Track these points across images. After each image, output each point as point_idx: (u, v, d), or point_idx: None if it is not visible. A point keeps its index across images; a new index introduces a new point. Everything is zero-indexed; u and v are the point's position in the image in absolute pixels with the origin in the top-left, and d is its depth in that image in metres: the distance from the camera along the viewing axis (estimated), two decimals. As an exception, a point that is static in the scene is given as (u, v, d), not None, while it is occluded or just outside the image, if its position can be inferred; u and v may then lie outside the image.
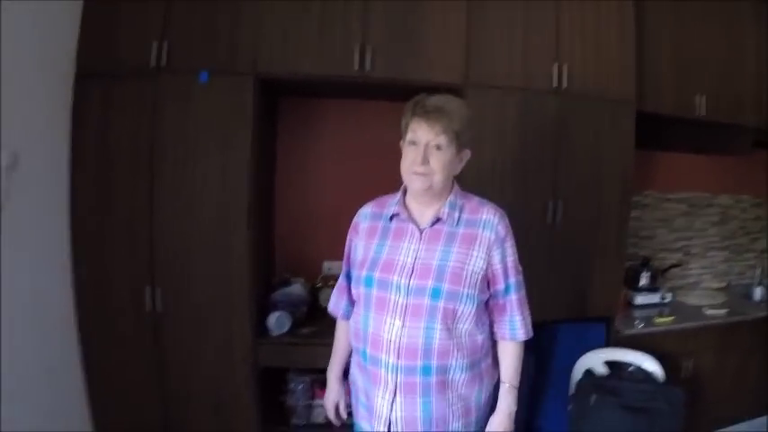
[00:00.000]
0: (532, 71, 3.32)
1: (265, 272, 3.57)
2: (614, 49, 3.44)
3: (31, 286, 2.84)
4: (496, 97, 3.26)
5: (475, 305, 2.00)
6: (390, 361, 1.96)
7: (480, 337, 2.05)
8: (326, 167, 3.76)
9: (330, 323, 2.50)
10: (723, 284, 4.74)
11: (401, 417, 1.99)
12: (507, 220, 2.12)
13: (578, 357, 3.46)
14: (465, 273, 1.98)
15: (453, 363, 1.98)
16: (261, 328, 3.24)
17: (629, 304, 4.04)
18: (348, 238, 2.27)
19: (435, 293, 1.95)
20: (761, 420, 4.10)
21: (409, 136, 2.02)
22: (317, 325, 3.27)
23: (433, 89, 3.08)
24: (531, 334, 2.15)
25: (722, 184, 4.69)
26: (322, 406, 2.60)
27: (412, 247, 2.04)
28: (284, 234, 3.81)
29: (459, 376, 2.00)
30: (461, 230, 2.04)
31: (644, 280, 4.14)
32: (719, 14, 3.85)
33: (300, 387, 3.34)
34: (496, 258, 2.05)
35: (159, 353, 3.19)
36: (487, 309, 2.12)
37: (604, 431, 3.14)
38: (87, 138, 3.09)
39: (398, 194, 2.16)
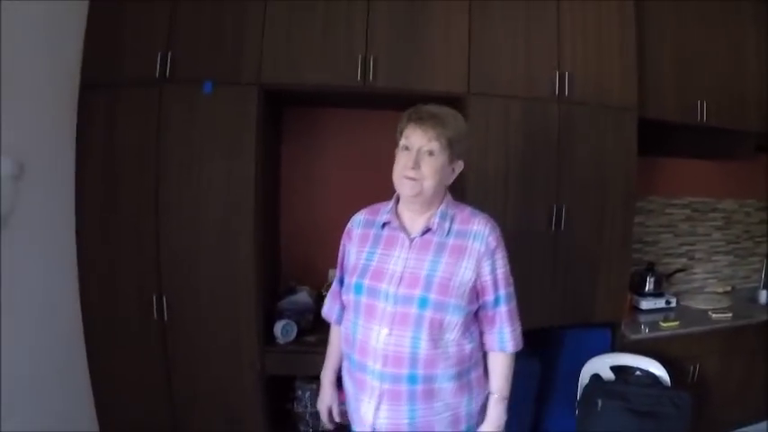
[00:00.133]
0: (535, 79, 3.33)
1: (271, 280, 3.59)
2: (616, 56, 3.45)
3: (39, 293, 2.87)
4: (499, 105, 3.28)
5: (462, 316, 1.99)
6: (377, 368, 1.97)
7: (468, 347, 2.05)
8: (331, 176, 3.78)
9: (335, 331, 2.50)
10: (728, 288, 4.73)
11: (386, 424, 1.99)
12: (499, 232, 2.11)
13: (585, 362, 3.47)
14: (453, 283, 1.98)
15: (440, 372, 1.97)
16: (267, 336, 3.25)
17: (635, 309, 4.05)
18: (342, 243, 2.29)
19: (422, 303, 1.95)
20: (768, 424, 4.10)
21: (403, 141, 2.04)
22: (323, 333, 3.24)
23: (437, 98, 3.11)
24: (520, 346, 2.14)
25: (726, 188, 4.70)
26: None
27: (402, 256, 2.04)
28: (290, 242, 3.82)
29: (446, 385, 2.00)
30: (451, 241, 2.04)
31: (649, 285, 4.16)
32: (720, 20, 3.86)
33: (307, 394, 3.36)
34: (486, 270, 2.04)
35: (166, 361, 3.20)
36: (477, 319, 2.12)
37: (611, 435, 3.16)
38: (93, 147, 3.11)
39: (391, 202, 2.17)
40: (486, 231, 2.05)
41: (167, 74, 3.07)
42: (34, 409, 2.76)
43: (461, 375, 2.03)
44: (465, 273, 2.00)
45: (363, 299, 2.04)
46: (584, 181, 3.43)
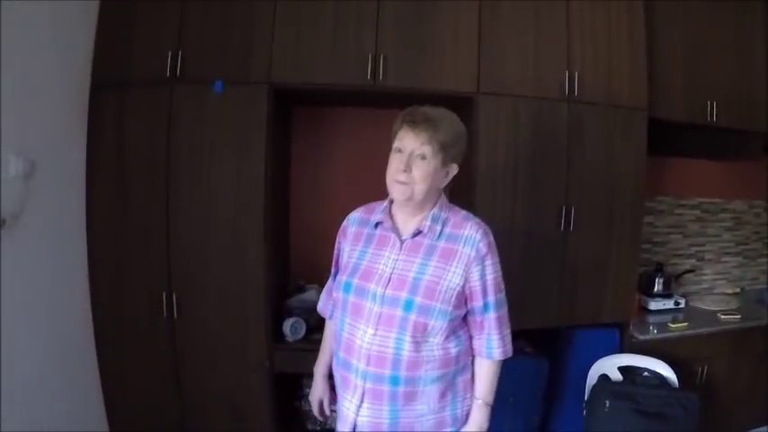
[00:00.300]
0: (544, 79, 3.33)
1: (280, 278, 3.60)
2: (625, 55, 3.45)
3: (49, 290, 2.89)
4: (509, 105, 3.28)
5: (447, 320, 1.96)
6: (360, 367, 1.98)
7: (455, 351, 2.03)
8: (340, 175, 3.79)
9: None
10: (737, 290, 4.71)
11: (367, 423, 2.00)
12: (491, 237, 2.08)
13: (593, 363, 3.47)
14: (440, 288, 1.96)
15: (423, 374, 1.97)
16: (276, 334, 3.27)
17: (643, 310, 4.04)
18: (337, 240, 2.29)
19: (408, 306, 1.94)
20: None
21: (396, 143, 2.02)
22: (331, 331, 3.29)
23: (446, 98, 3.14)
24: (509, 353, 2.11)
25: (735, 189, 4.68)
26: (335, 410, 2.57)
27: (391, 257, 2.03)
28: (299, 241, 3.83)
29: (429, 388, 1.99)
30: (442, 244, 2.02)
31: (658, 286, 4.15)
32: (730, 20, 3.85)
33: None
34: (475, 276, 2.01)
35: (175, 358, 3.22)
36: (467, 323, 2.11)
37: (618, 436, 3.16)
38: (103, 146, 3.13)
39: (386, 202, 2.16)
40: (478, 237, 2.02)
41: (177, 73, 3.08)
42: (44, 408, 2.78)
43: (446, 379, 2.03)
44: (453, 277, 1.98)
45: (351, 298, 2.04)
46: (594, 181, 3.42)
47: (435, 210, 2.06)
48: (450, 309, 1.96)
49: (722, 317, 3.94)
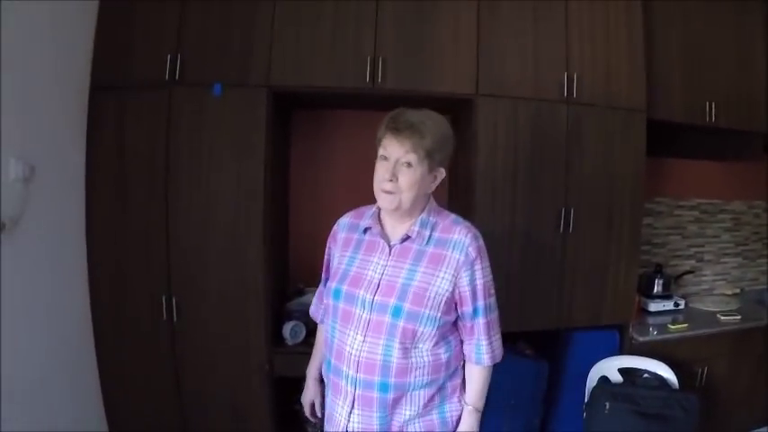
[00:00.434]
0: (543, 80, 3.34)
1: (280, 282, 3.60)
2: (624, 57, 3.45)
3: (49, 294, 2.88)
4: (508, 107, 3.28)
5: (436, 326, 1.94)
6: (350, 373, 1.96)
7: (445, 356, 2.01)
8: (340, 178, 3.78)
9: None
10: (736, 291, 4.70)
11: (357, 429, 1.99)
12: (481, 242, 2.04)
13: (593, 364, 3.47)
14: (428, 294, 1.93)
15: (412, 381, 1.96)
16: (276, 338, 3.27)
17: (643, 311, 4.04)
18: (327, 245, 2.27)
19: (396, 312, 1.92)
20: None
21: (381, 151, 1.99)
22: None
23: (445, 100, 3.14)
24: (498, 359, 2.09)
25: (734, 190, 4.68)
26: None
27: (380, 263, 2.02)
28: (298, 244, 3.83)
29: (418, 394, 1.98)
30: (430, 249, 2.00)
31: (657, 287, 4.15)
32: (729, 20, 3.86)
33: (315, 396, 3.36)
34: (465, 281, 1.97)
35: (175, 361, 3.22)
36: (457, 327, 2.09)
37: (619, 438, 3.16)
38: (103, 149, 3.13)
39: (375, 207, 2.13)
40: (467, 241, 1.98)
41: (177, 76, 3.09)
42: (44, 410, 2.78)
43: (436, 384, 2.02)
44: (442, 283, 1.95)
45: (341, 304, 2.03)
46: (593, 182, 3.43)
47: (424, 215, 2.04)
48: (440, 315, 1.95)
49: (722, 318, 3.94)
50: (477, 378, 2.09)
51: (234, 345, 3.20)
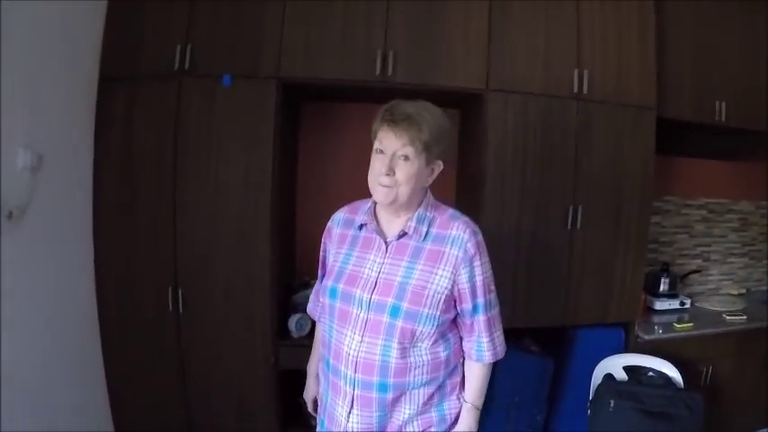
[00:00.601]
0: (554, 76, 3.32)
1: (286, 275, 3.60)
2: (635, 55, 3.44)
3: (55, 284, 2.89)
4: (518, 102, 3.27)
5: (435, 325, 1.90)
6: (349, 374, 1.93)
7: (444, 354, 1.98)
8: (348, 171, 3.76)
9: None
10: (742, 291, 4.69)
11: (357, 429, 1.96)
12: (480, 237, 1.99)
13: (598, 362, 3.47)
14: (427, 292, 1.89)
15: (411, 380, 1.93)
16: (281, 331, 3.27)
17: (649, 310, 4.03)
18: (322, 241, 2.23)
19: (394, 311, 1.87)
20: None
21: (377, 144, 1.94)
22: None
23: (454, 94, 3.13)
24: (499, 355, 2.05)
25: (742, 190, 4.66)
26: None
27: (377, 261, 1.97)
28: (305, 237, 3.82)
29: (417, 393, 1.96)
30: (428, 246, 1.95)
31: (663, 286, 4.13)
32: (739, 20, 3.84)
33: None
34: (464, 278, 1.93)
35: (180, 353, 3.23)
36: (456, 325, 2.05)
37: (623, 436, 3.15)
38: (111, 139, 3.14)
39: (370, 202, 2.08)
40: (466, 237, 1.94)
41: (186, 67, 3.09)
42: (49, 402, 2.78)
43: (436, 383, 1.99)
44: (441, 280, 1.91)
45: (337, 303, 1.98)
46: (602, 180, 3.42)
47: (421, 210, 1.99)
48: (439, 313, 1.91)
49: (727, 318, 3.93)
50: (476, 375, 2.06)
51: (239, 337, 3.20)
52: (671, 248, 4.50)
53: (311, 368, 2.38)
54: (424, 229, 1.96)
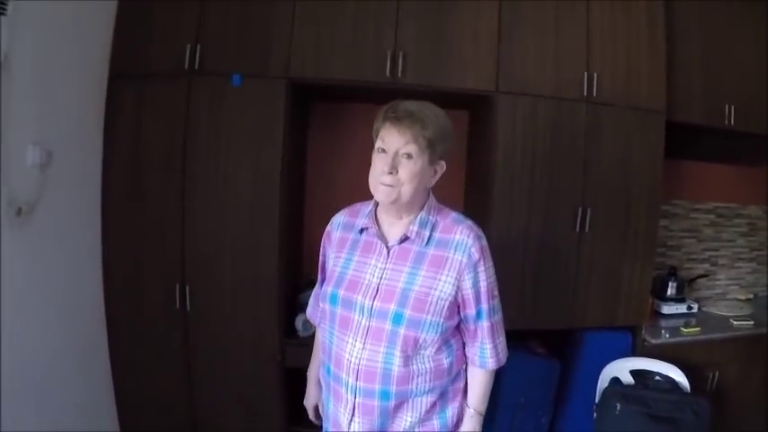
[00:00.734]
0: (563, 79, 3.32)
1: (293, 273, 3.60)
2: (644, 58, 3.43)
3: (63, 281, 2.89)
4: (527, 105, 3.27)
5: (439, 333, 1.87)
6: (350, 381, 1.89)
7: (447, 361, 1.94)
8: (356, 172, 3.72)
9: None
10: (750, 296, 4.67)
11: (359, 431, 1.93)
12: (484, 241, 1.95)
13: (605, 365, 3.46)
14: (431, 299, 1.85)
15: (414, 388, 1.89)
16: (288, 329, 3.27)
17: (656, 314, 4.02)
18: (322, 244, 2.19)
19: (397, 319, 1.83)
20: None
21: (378, 143, 1.90)
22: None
23: (465, 96, 3.13)
24: (502, 362, 2.01)
25: (751, 194, 4.64)
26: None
27: (378, 266, 1.92)
28: (312, 236, 3.81)
29: (420, 400, 1.92)
30: (431, 251, 1.90)
31: (671, 290, 4.12)
32: (749, 23, 3.82)
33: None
34: (468, 283, 1.89)
35: (187, 351, 3.23)
36: (459, 331, 2.01)
37: (629, 440, 3.14)
38: (120, 137, 3.15)
39: (371, 205, 2.04)
40: (470, 241, 1.89)
41: (196, 66, 3.09)
42: (55, 398, 2.79)
43: (439, 390, 1.96)
44: (444, 286, 1.86)
45: (338, 310, 1.94)
46: (610, 183, 3.41)
47: (423, 213, 1.94)
48: (442, 320, 1.87)
49: (735, 323, 3.93)
50: (479, 381, 2.03)
51: (246, 335, 3.21)
52: (679, 252, 4.49)
53: (311, 374, 2.34)
54: (427, 234, 1.92)
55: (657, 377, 3.33)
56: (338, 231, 2.11)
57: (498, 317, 2.01)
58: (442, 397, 1.99)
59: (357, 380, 1.88)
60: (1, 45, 2.29)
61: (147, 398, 3.29)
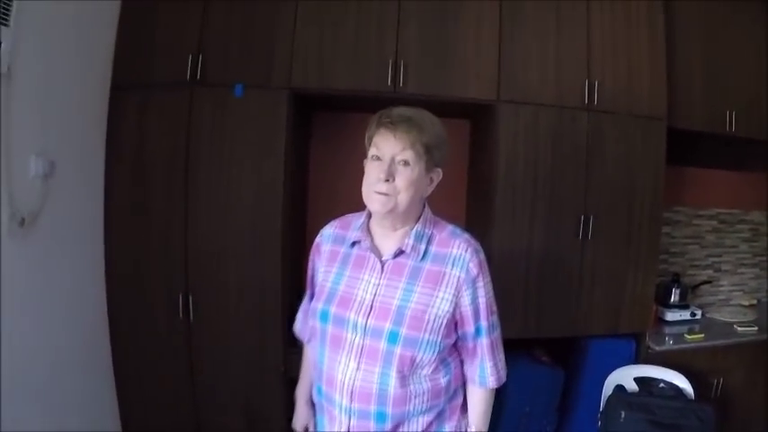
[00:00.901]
0: (564, 87, 3.33)
1: (297, 282, 3.60)
2: (645, 65, 3.45)
3: (66, 290, 2.89)
4: (528, 113, 3.28)
5: (437, 352, 1.77)
6: (344, 403, 1.78)
7: (444, 380, 1.85)
8: (358, 181, 3.73)
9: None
10: (753, 302, 4.67)
11: None
12: (482, 255, 1.87)
13: (609, 373, 3.46)
14: (428, 316, 1.75)
15: (411, 409, 1.79)
16: (291, 339, 3.26)
17: (660, 320, 4.02)
18: (310, 258, 2.08)
19: (392, 338, 1.73)
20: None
21: (372, 151, 1.81)
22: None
23: (466, 105, 3.14)
24: (503, 380, 1.93)
25: (753, 200, 4.64)
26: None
27: (372, 281, 1.82)
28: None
29: (417, 420, 1.82)
30: (427, 266, 1.81)
31: (674, 296, 4.12)
32: (750, 29, 3.83)
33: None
34: (466, 300, 1.81)
35: (191, 360, 3.23)
36: (456, 348, 1.92)
37: (634, 447, 3.14)
38: (123, 147, 3.15)
39: (363, 217, 1.95)
40: (468, 256, 1.81)
41: (198, 76, 3.10)
42: (58, 407, 2.79)
43: (436, 410, 1.86)
44: (442, 303, 1.78)
45: (329, 328, 1.82)
46: (613, 190, 3.42)
47: (419, 226, 1.85)
48: (440, 339, 1.77)
49: (739, 329, 3.92)
50: (480, 400, 1.96)
51: (250, 344, 3.21)
52: (682, 259, 4.49)
53: (300, 393, 2.24)
54: (423, 248, 1.83)
55: (662, 384, 3.33)
56: (328, 244, 2.01)
57: (497, 333, 1.93)
58: (440, 416, 1.90)
59: (351, 401, 1.77)
60: (3, 55, 2.30)
61: (151, 407, 3.29)
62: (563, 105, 3.33)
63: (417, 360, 1.75)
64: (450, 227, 1.92)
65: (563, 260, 3.36)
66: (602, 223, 3.40)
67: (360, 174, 3.10)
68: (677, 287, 4.13)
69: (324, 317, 1.85)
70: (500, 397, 2.08)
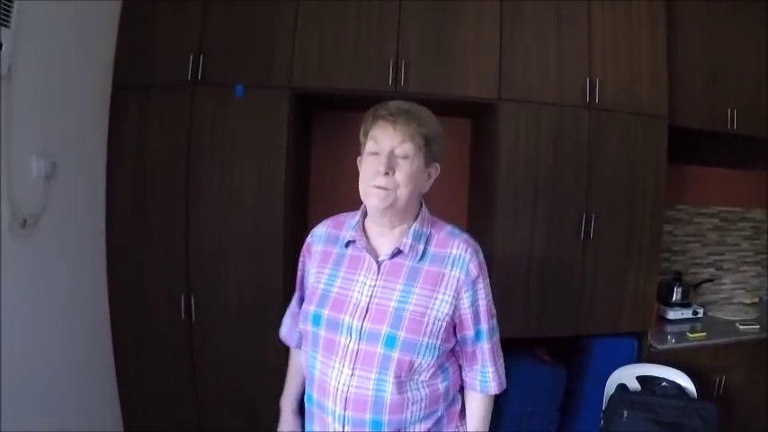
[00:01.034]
0: (565, 86, 3.33)
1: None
2: (646, 63, 3.44)
3: (68, 291, 2.89)
4: (530, 112, 3.28)
5: (436, 356, 1.70)
6: (337, 411, 1.69)
7: (443, 386, 1.78)
8: (358, 180, 3.77)
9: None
10: (755, 300, 4.66)
11: None
12: (481, 256, 1.80)
13: (611, 372, 3.46)
14: (426, 319, 1.68)
15: (408, 416, 1.71)
16: (295, 339, 3.27)
17: (662, 319, 4.01)
18: (301, 259, 2.01)
19: (390, 342, 1.66)
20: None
21: (370, 145, 1.74)
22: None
23: (467, 104, 3.13)
24: (504, 386, 1.86)
25: (755, 198, 4.63)
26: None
27: (368, 283, 1.74)
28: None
29: (414, 428, 1.74)
30: (426, 266, 1.75)
31: (676, 295, 4.11)
32: (750, 26, 3.83)
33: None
34: (466, 302, 1.74)
35: (192, 361, 3.23)
36: (454, 353, 1.85)
37: (636, 447, 3.14)
38: (124, 148, 3.16)
39: (358, 216, 1.88)
40: (467, 257, 1.75)
41: (199, 76, 3.10)
42: (59, 408, 2.79)
43: (434, 417, 1.79)
44: (441, 306, 1.71)
45: (322, 332, 1.74)
46: (614, 189, 3.42)
47: (416, 225, 1.78)
48: (439, 343, 1.71)
49: (741, 327, 3.92)
50: (480, 407, 1.88)
51: (252, 345, 3.20)
52: (683, 257, 4.48)
53: (286, 401, 2.17)
54: (421, 248, 1.77)
55: (664, 383, 3.33)
56: (320, 244, 1.94)
57: (497, 337, 1.86)
58: (438, 423, 1.82)
59: (345, 409, 1.69)
60: (4, 56, 2.30)
61: (153, 407, 3.29)
62: (564, 104, 3.33)
63: (416, 365, 1.69)
64: (448, 226, 1.87)
65: (564, 259, 3.36)
66: (603, 222, 3.40)
67: (359, 173, 3.10)
68: (679, 285, 4.12)
69: (316, 320, 1.77)
70: (501, 397, 2.03)
